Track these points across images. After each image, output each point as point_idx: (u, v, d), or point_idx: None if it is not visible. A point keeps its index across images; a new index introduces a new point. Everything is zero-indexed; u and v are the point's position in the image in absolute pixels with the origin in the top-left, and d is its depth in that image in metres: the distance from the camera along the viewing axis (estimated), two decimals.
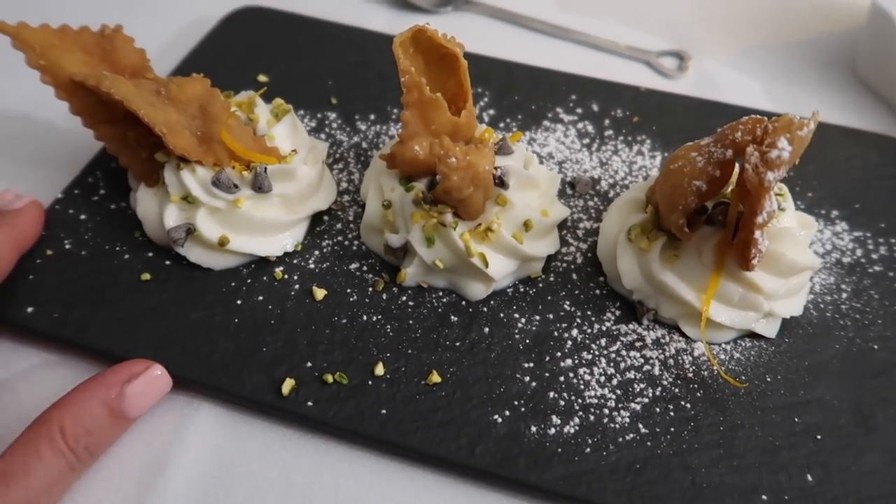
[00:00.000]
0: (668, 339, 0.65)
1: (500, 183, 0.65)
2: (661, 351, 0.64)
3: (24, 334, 0.64)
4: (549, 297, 0.68)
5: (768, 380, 0.62)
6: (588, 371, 0.62)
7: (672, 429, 0.59)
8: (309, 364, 0.62)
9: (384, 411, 0.59)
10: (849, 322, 0.67)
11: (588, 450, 0.57)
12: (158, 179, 0.68)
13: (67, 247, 0.69)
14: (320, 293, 0.66)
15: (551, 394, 0.61)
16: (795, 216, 0.67)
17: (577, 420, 0.59)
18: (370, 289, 0.67)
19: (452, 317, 0.66)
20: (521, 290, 0.68)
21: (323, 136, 0.81)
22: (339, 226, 0.72)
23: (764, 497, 0.55)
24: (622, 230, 0.67)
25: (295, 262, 0.69)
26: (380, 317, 0.65)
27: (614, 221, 0.69)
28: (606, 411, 0.60)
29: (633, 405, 0.60)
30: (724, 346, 0.65)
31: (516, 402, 0.60)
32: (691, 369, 0.63)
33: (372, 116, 0.83)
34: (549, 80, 0.88)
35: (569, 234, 0.73)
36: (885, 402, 0.61)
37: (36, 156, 0.80)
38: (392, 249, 0.67)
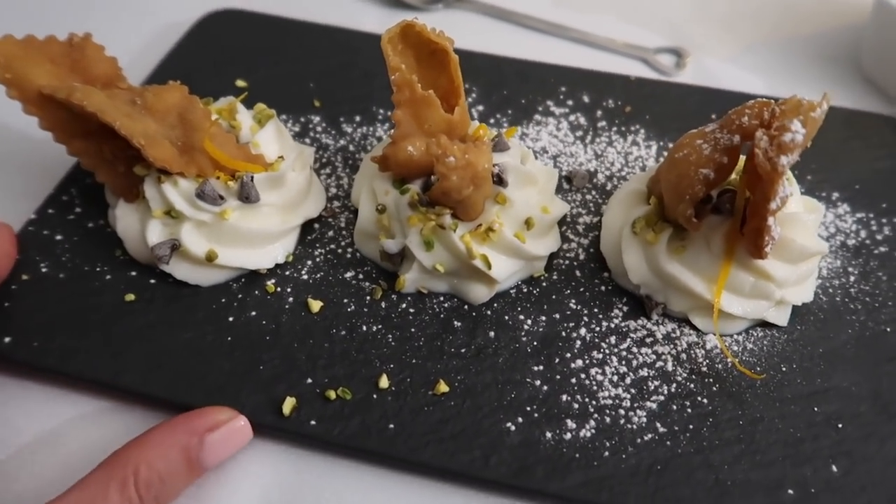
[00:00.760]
0: (678, 333, 0.63)
1: (499, 181, 0.63)
2: (672, 346, 0.62)
3: (4, 365, 0.60)
4: (553, 297, 0.65)
5: (784, 369, 0.61)
6: (600, 371, 0.60)
7: (691, 426, 0.57)
8: (309, 380, 0.59)
9: (392, 426, 0.56)
10: (859, 306, 0.65)
11: (606, 453, 0.55)
12: (138, 194, 0.65)
13: (44, 270, 0.65)
14: (316, 305, 0.63)
15: (564, 397, 0.58)
16: (801, 200, 0.65)
17: (592, 423, 0.57)
18: (368, 297, 0.65)
19: (456, 322, 0.63)
20: (525, 290, 0.66)
21: (308, 140, 0.78)
22: (330, 233, 0.69)
23: (790, 491, 0.54)
24: (626, 224, 0.65)
25: (287, 273, 0.66)
26: (380, 326, 0.62)
27: (617, 215, 0.67)
28: (622, 412, 0.58)
29: (648, 404, 0.58)
30: (735, 337, 0.63)
31: (528, 408, 0.58)
32: (705, 363, 0.61)
33: (357, 118, 0.80)
34: (537, 73, 0.86)
35: (569, 229, 0.71)
36: None
37: (4, 175, 0.76)
38: (389, 255, 0.64)
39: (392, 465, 0.56)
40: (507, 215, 0.63)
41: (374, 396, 0.58)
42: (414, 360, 0.60)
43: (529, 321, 0.63)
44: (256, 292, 0.64)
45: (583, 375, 0.60)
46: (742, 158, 0.60)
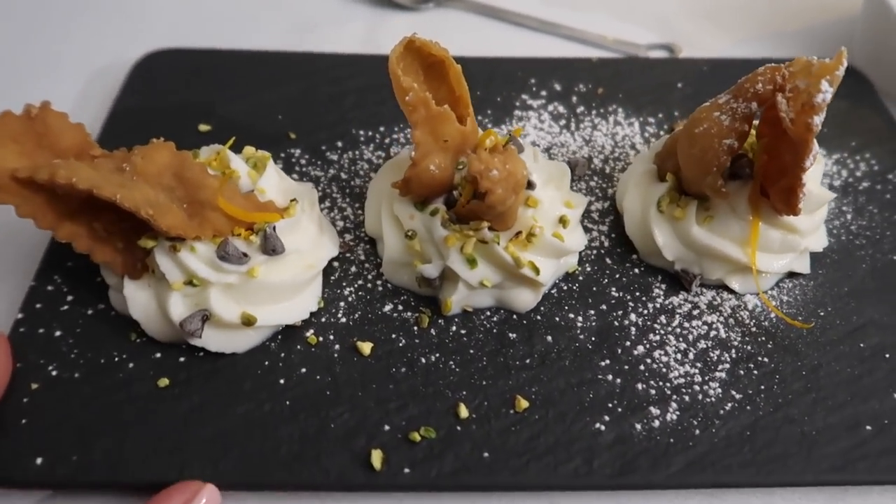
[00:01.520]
0: (719, 299, 0.65)
1: (528, 184, 0.62)
2: (718, 313, 0.64)
3: (41, 490, 0.53)
4: (594, 288, 0.65)
5: (821, 314, 0.64)
6: (662, 352, 0.61)
7: (762, 387, 0.59)
8: (387, 427, 0.56)
9: (486, 454, 0.55)
10: (863, 241, 0.70)
11: (697, 431, 0.56)
12: (145, 268, 0.59)
13: (54, 373, 0.58)
14: (367, 347, 0.60)
15: (639, 386, 0.59)
16: None
17: (674, 405, 0.58)
18: (415, 327, 0.62)
19: (510, 334, 0.62)
20: (565, 288, 0.65)
21: (295, 176, 0.73)
22: (353, 269, 0.66)
23: (868, 427, 0.57)
24: (649, 205, 0.66)
25: (323, 320, 0.62)
26: (438, 354, 0.60)
27: (636, 198, 0.67)
28: (696, 388, 0.59)
29: (717, 374, 0.60)
30: (770, 292, 0.66)
31: (610, 405, 0.58)
32: (752, 323, 0.63)
33: (339, 144, 0.76)
34: (503, 69, 0.85)
35: (585, 219, 0.71)
36: None
37: None
38: (428, 280, 0.62)
39: (496, 490, 0.54)
40: (542, 217, 0.62)
41: (459, 428, 0.56)
42: (484, 382, 0.59)
43: (580, 318, 0.63)
44: (299, 347, 0.60)
45: (648, 360, 0.61)
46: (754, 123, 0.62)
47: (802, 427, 0.57)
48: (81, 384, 0.57)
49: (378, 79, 0.83)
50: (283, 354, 0.60)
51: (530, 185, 0.62)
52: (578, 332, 0.62)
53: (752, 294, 0.65)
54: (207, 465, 0.53)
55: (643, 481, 0.54)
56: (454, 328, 0.62)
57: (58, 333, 0.60)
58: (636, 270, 0.67)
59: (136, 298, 0.58)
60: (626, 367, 0.60)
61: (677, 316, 0.64)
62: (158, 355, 0.59)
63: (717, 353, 0.61)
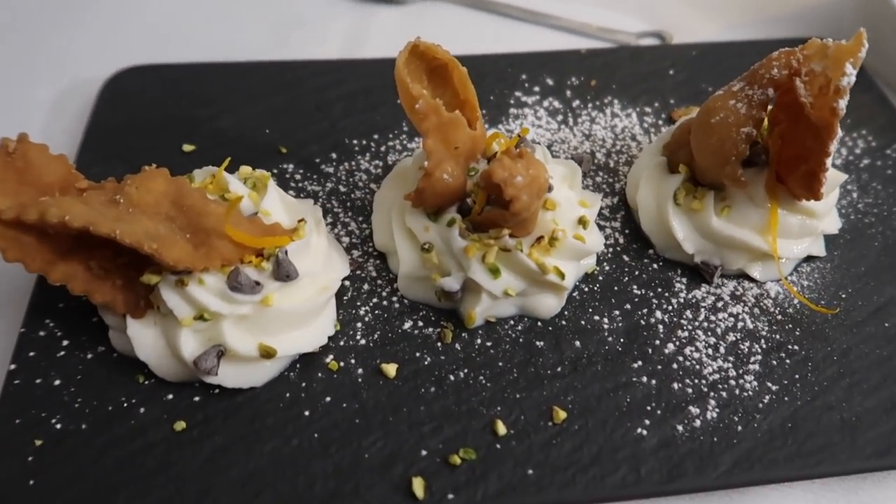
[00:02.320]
0: (741, 289, 0.64)
1: (548, 187, 0.60)
2: (742, 304, 0.63)
3: None
4: (615, 288, 0.64)
5: (843, 296, 0.64)
6: (693, 348, 0.60)
7: (796, 376, 0.58)
8: (424, 452, 0.53)
9: (530, 471, 0.53)
10: (872, 218, 0.70)
11: (739, 428, 0.55)
12: (149, 305, 0.55)
13: (59, 427, 0.53)
14: (391, 368, 0.57)
15: (675, 385, 0.58)
16: None
17: (712, 403, 0.57)
18: (439, 343, 0.60)
19: (537, 342, 0.60)
20: (586, 290, 0.64)
21: (291, 192, 0.70)
22: (365, 287, 0.63)
23: None
24: (665, 198, 0.64)
25: (342, 343, 0.59)
26: (466, 370, 0.58)
27: (649, 193, 0.66)
28: (732, 382, 0.58)
29: (751, 366, 0.59)
30: (789, 278, 0.65)
31: (649, 408, 0.56)
32: (777, 311, 0.63)
33: (334, 155, 0.73)
34: (492, 66, 0.83)
35: (597, 217, 0.69)
36: None
37: None
38: (449, 294, 0.59)
39: None
40: (562, 220, 0.60)
41: (498, 446, 0.54)
42: (518, 395, 0.57)
43: (606, 319, 0.62)
44: (320, 374, 0.57)
45: (680, 358, 0.59)
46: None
47: (842, 414, 0.56)
48: (91, 436, 0.53)
49: (364, 84, 0.80)
50: (304, 384, 0.56)
51: (549, 188, 0.60)
52: (606, 334, 0.61)
53: (772, 281, 0.64)
54: None
55: (693, 484, 0.52)
56: (479, 341, 0.60)
57: (57, 382, 0.55)
58: (655, 266, 0.66)
59: (142, 338, 0.54)
60: (659, 366, 0.59)
61: (702, 309, 0.63)
62: (170, 397, 0.55)
63: (748, 344, 0.60)
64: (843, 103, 0.52)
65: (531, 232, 0.59)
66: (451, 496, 0.51)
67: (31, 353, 0.57)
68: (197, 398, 0.55)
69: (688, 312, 0.62)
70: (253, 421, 0.54)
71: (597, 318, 0.62)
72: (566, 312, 0.62)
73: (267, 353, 0.54)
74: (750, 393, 0.57)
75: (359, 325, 0.61)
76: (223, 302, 0.53)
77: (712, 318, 0.62)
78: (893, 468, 0.54)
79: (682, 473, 0.53)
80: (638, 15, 0.95)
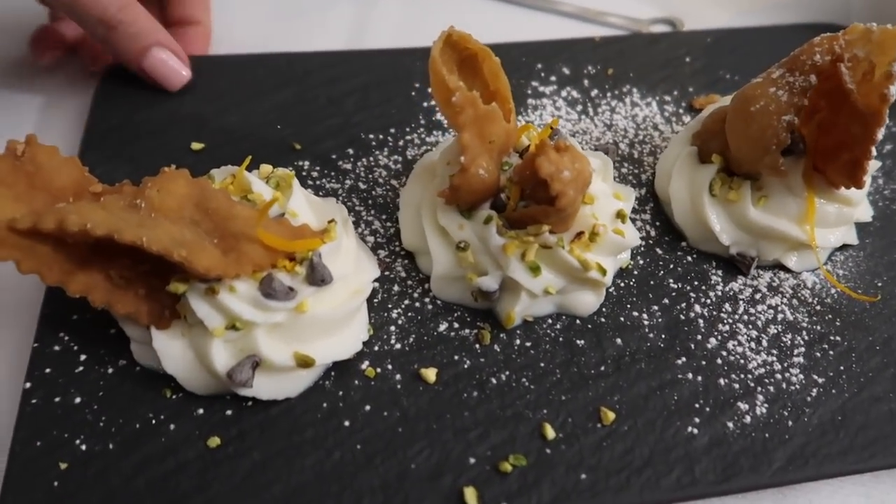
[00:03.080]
0: (777, 280, 0.63)
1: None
2: (780, 295, 0.62)
3: None
4: (651, 282, 0.62)
5: (879, 284, 0.63)
6: (735, 342, 0.59)
7: (841, 367, 0.57)
8: (472, 460, 0.51)
9: (583, 476, 0.51)
10: None
11: (790, 423, 0.54)
12: (174, 315, 0.52)
13: (84, 448, 0.50)
14: (430, 373, 0.55)
15: (721, 381, 0.56)
16: None
17: (760, 398, 0.55)
18: (477, 345, 0.57)
19: (577, 341, 0.58)
20: (623, 285, 0.62)
21: (309, 190, 0.66)
22: (395, 288, 0.61)
23: None
24: (700, 190, 0.63)
25: (376, 349, 0.57)
26: (507, 372, 0.56)
27: (682, 184, 0.64)
28: (778, 376, 0.57)
29: (795, 359, 0.58)
30: (825, 267, 0.64)
31: (697, 405, 0.55)
32: (815, 301, 0.62)
33: (350, 151, 0.70)
34: (506, 55, 0.79)
35: None
36: None
37: None
38: (486, 293, 0.57)
39: None
40: (601, 214, 0.58)
41: (548, 451, 0.52)
42: (563, 397, 0.55)
43: (645, 315, 0.60)
44: (357, 382, 0.55)
45: (724, 353, 0.58)
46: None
47: (890, 405, 0.55)
48: (119, 456, 0.50)
49: (375, 75, 0.77)
50: (341, 393, 0.54)
51: None
52: (647, 330, 0.59)
53: (807, 272, 0.63)
54: None
55: (749, 483, 0.51)
56: (518, 341, 0.58)
57: (78, 400, 0.52)
58: (689, 259, 0.64)
59: (169, 351, 0.51)
60: (704, 362, 0.57)
61: (741, 302, 0.61)
62: (201, 411, 0.52)
63: (790, 336, 0.59)
64: (893, 89, 0.51)
65: (570, 227, 0.57)
66: None
67: (47, 370, 0.53)
68: (229, 412, 0.52)
69: (727, 305, 0.61)
70: (291, 434, 0.52)
71: (636, 314, 0.60)
72: (604, 309, 0.60)
73: (304, 362, 0.51)
74: (797, 386, 0.56)
75: (392, 328, 0.58)
76: (257, 310, 0.50)
77: (752, 310, 0.61)
78: None
79: (736, 472, 0.52)
80: (647, 1, 0.93)
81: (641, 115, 0.76)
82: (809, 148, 0.60)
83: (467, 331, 0.58)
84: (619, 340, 0.58)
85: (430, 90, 0.75)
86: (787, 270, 0.64)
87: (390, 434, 0.52)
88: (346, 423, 0.52)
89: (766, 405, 0.55)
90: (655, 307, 0.61)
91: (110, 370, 0.54)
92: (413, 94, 0.76)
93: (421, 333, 0.58)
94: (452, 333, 0.58)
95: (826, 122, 0.58)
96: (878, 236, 0.67)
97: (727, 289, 0.62)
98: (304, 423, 0.52)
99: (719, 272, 0.63)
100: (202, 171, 0.57)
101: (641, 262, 0.64)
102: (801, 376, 0.57)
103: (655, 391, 0.55)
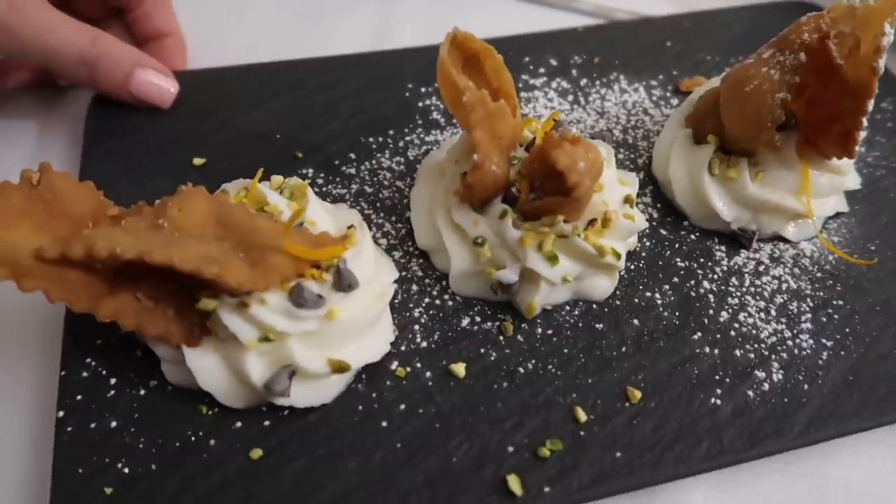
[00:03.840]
0: (778, 251, 0.66)
1: None
2: (782, 265, 0.65)
3: None
4: (659, 262, 0.64)
5: (872, 248, 0.66)
6: (746, 314, 0.61)
7: (846, 329, 0.60)
8: (511, 448, 0.53)
9: (619, 454, 0.53)
10: (883, 171, 0.73)
11: (806, 386, 0.57)
12: (204, 332, 0.52)
13: (126, 471, 0.50)
14: (460, 368, 0.56)
15: (737, 352, 0.59)
16: None
17: (775, 365, 0.58)
18: (501, 337, 0.59)
19: (596, 325, 0.60)
20: (632, 267, 0.64)
21: (318, 198, 0.67)
22: (414, 287, 0.62)
23: None
24: (699, 169, 0.65)
25: (403, 348, 0.58)
26: (534, 361, 0.57)
27: (680, 165, 0.67)
28: (790, 343, 0.59)
29: (803, 325, 0.60)
30: (822, 235, 0.67)
31: (717, 377, 0.57)
32: (815, 269, 0.64)
33: (352, 155, 0.71)
34: None
35: None
36: None
37: None
38: (506, 286, 0.59)
39: (641, 487, 0.53)
40: (611, 200, 0.60)
41: (582, 433, 0.54)
42: (590, 380, 0.56)
43: (657, 295, 0.62)
44: (388, 382, 0.56)
45: (736, 325, 0.60)
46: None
47: None
48: (163, 476, 0.50)
49: (367, 79, 0.78)
50: (374, 395, 0.55)
51: None
52: (661, 309, 0.61)
53: (805, 241, 0.66)
54: None
55: (776, 446, 0.54)
56: (539, 330, 0.59)
57: (114, 424, 0.52)
58: (692, 237, 0.66)
59: (204, 367, 0.51)
60: (718, 335, 0.60)
61: (746, 275, 0.64)
62: (239, 425, 0.53)
63: (796, 304, 0.62)
64: (881, 62, 0.54)
65: (583, 216, 0.59)
66: (547, 489, 0.51)
67: (78, 397, 0.53)
68: (267, 423, 0.53)
69: (733, 279, 0.63)
70: (330, 439, 0.52)
71: (648, 294, 0.62)
72: (618, 292, 0.62)
73: (339, 368, 0.52)
74: (808, 351, 0.59)
75: (416, 327, 0.59)
76: (289, 320, 0.51)
77: (757, 282, 0.63)
78: None
79: (762, 438, 0.54)
80: None
81: (631, 101, 0.78)
82: (801, 122, 0.63)
83: (489, 324, 0.59)
84: (636, 321, 0.60)
85: (423, 90, 0.77)
86: (786, 241, 0.66)
87: (428, 430, 0.53)
88: (384, 424, 0.53)
89: (781, 371, 0.57)
90: (666, 286, 0.63)
91: (142, 391, 0.54)
92: (407, 94, 0.77)
93: (445, 330, 0.59)
94: (475, 328, 0.59)
95: (816, 97, 0.61)
96: (867, 202, 0.70)
97: (732, 263, 0.65)
98: (342, 428, 0.53)
99: (722, 248, 0.66)
100: (208, 186, 0.57)
101: (648, 244, 0.66)
102: (811, 341, 0.59)
103: (676, 367, 0.57)
